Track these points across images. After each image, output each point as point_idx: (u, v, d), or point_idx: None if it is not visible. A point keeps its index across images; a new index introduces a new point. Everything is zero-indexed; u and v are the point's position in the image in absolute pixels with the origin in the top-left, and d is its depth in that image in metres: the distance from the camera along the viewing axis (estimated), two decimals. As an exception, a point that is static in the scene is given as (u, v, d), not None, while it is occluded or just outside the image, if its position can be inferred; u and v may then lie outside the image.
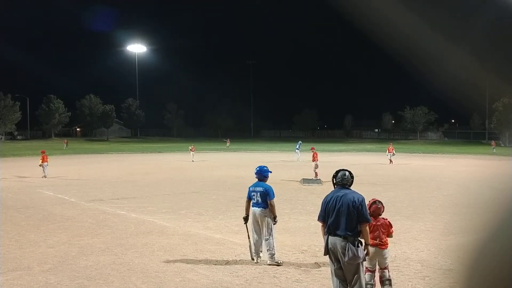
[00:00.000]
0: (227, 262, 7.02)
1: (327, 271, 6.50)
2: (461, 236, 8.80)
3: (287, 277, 6.29)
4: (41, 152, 21.76)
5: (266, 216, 6.82)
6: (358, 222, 4.82)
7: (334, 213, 4.89)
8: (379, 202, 5.66)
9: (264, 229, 6.87)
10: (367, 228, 4.90)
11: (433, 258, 7.22)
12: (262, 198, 6.85)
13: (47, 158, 21.14)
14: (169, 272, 6.55)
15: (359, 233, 4.84)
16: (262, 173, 7.07)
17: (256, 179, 7.15)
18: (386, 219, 5.66)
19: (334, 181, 5.20)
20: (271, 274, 6.44)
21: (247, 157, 36.57)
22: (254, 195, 6.94)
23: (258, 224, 6.95)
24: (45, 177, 20.38)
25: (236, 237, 8.70)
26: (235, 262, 7.02)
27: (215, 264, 6.91)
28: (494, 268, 1.30)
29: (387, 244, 5.50)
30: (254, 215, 6.98)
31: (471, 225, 9.90)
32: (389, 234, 5.58)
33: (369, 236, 5.06)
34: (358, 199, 4.85)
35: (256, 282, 6.10)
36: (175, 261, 7.11)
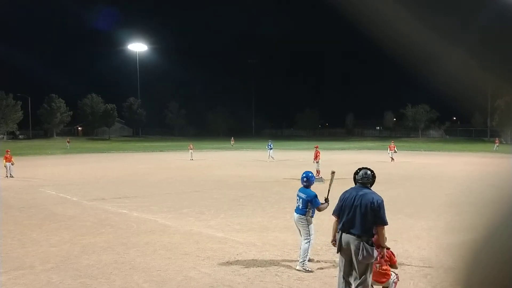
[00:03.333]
0: (229, 261, 7.03)
1: (329, 269, 6.52)
2: (462, 234, 8.78)
3: (289, 275, 6.29)
4: (6, 152, 21.06)
5: (302, 223, 6.70)
6: (374, 223, 4.71)
7: (351, 211, 4.79)
8: None
9: (301, 235, 6.79)
10: (384, 230, 4.76)
11: (434, 256, 7.23)
12: (303, 205, 6.76)
13: (11, 158, 20.58)
14: (171, 270, 6.56)
15: (373, 234, 4.75)
16: (310, 180, 6.94)
17: (303, 185, 7.02)
18: (389, 249, 5.56)
19: (355, 179, 5.08)
20: (273, 272, 6.45)
21: (248, 156, 36.57)
22: (297, 200, 6.88)
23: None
24: (10, 177, 19.86)
25: (238, 236, 8.71)
26: (237, 261, 7.03)
27: (217, 263, 6.92)
28: (494, 266, 1.30)
29: (389, 274, 5.26)
30: (293, 219, 6.93)
31: (473, 224, 9.89)
32: (393, 264, 5.37)
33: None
34: (377, 201, 4.72)
35: (258, 280, 6.10)
36: (177, 259, 7.13)
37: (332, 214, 5.10)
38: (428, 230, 9.22)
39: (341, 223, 4.90)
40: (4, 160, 20.50)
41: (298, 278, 6.20)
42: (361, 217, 4.72)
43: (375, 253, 4.75)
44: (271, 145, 31.49)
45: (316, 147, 21.90)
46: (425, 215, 10.76)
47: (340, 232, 4.92)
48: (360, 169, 5.12)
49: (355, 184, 5.06)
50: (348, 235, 4.80)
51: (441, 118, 77.90)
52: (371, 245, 4.71)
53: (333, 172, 6.73)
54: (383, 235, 4.77)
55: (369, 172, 5.05)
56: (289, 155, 36.44)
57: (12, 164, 20.50)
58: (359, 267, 4.78)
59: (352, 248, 4.75)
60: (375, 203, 4.70)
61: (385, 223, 4.74)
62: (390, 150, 29.91)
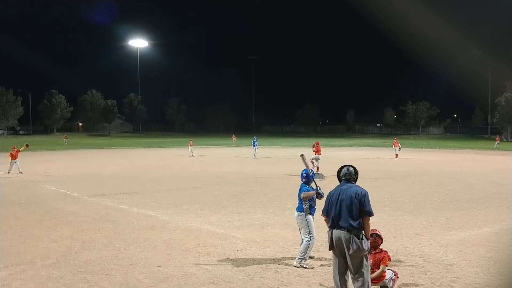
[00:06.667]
0: (229, 257, 7.04)
1: (329, 266, 6.52)
2: (463, 231, 8.81)
3: (289, 272, 6.31)
4: (13, 148, 21.09)
5: (302, 220, 6.70)
6: (360, 215, 4.81)
7: (338, 205, 4.92)
8: (377, 235, 5.64)
9: (302, 233, 6.77)
10: (369, 221, 4.88)
11: (434, 253, 7.23)
12: (299, 201, 6.81)
13: (16, 155, 20.66)
14: (171, 266, 6.57)
15: (362, 226, 4.84)
16: (309, 177, 6.91)
17: (302, 182, 6.99)
18: (386, 252, 5.66)
19: (339, 176, 5.21)
20: (273, 269, 6.46)
21: (249, 152, 36.54)
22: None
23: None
24: (19, 173, 19.92)
25: (238, 232, 8.72)
26: (237, 257, 7.04)
27: (217, 259, 6.93)
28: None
29: (383, 276, 5.47)
30: (294, 217, 6.92)
31: (473, 220, 9.91)
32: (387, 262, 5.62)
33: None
34: (361, 193, 4.86)
35: (258, 276, 6.12)
36: (177, 255, 7.14)
37: (321, 215, 5.22)
38: (428, 226, 9.23)
39: (330, 219, 5.02)
40: (10, 158, 20.61)
41: (298, 274, 6.21)
42: (347, 210, 4.85)
43: (366, 245, 4.81)
44: (257, 142, 31.52)
45: (317, 143, 21.94)
46: (425, 212, 10.76)
47: (330, 229, 5.02)
48: (342, 167, 5.26)
49: (340, 182, 5.20)
50: (338, 230, 4.91)
51: (441, 115, 77.93)
52: (361, 238, 4.79)
53: (301, 155, 7.25)
54: (368, 225, 4.87)
55: (351, 168, 5.19)
56: (289, 151, 36.43)
57: (24, 148, 20.49)
58: (353, 262, 4.86)
59: (343, 242, 4.84)
60: (359, 194, 4.85)
61: (371, 214, 4.86)
62: (394, 147, 30.01)
